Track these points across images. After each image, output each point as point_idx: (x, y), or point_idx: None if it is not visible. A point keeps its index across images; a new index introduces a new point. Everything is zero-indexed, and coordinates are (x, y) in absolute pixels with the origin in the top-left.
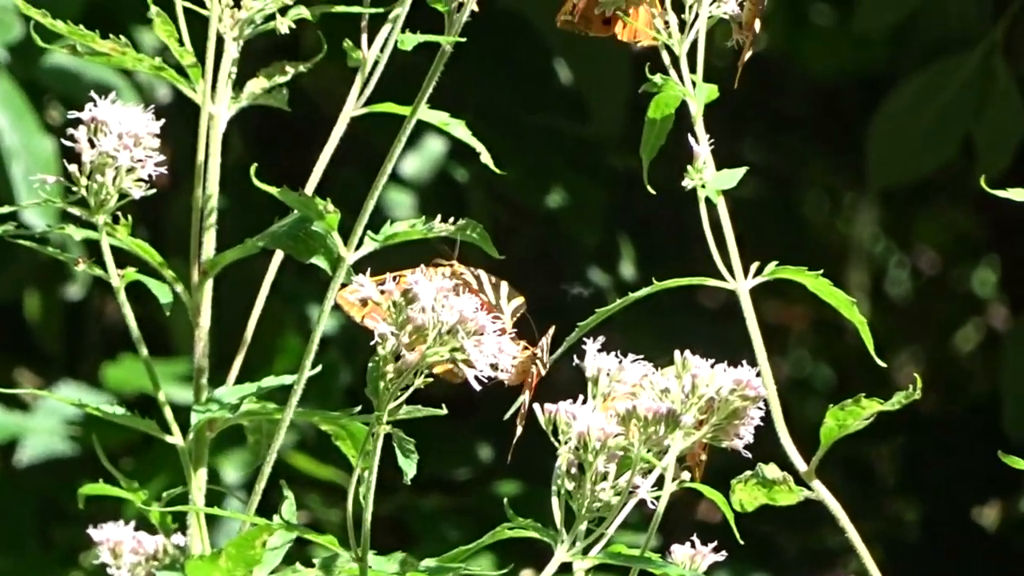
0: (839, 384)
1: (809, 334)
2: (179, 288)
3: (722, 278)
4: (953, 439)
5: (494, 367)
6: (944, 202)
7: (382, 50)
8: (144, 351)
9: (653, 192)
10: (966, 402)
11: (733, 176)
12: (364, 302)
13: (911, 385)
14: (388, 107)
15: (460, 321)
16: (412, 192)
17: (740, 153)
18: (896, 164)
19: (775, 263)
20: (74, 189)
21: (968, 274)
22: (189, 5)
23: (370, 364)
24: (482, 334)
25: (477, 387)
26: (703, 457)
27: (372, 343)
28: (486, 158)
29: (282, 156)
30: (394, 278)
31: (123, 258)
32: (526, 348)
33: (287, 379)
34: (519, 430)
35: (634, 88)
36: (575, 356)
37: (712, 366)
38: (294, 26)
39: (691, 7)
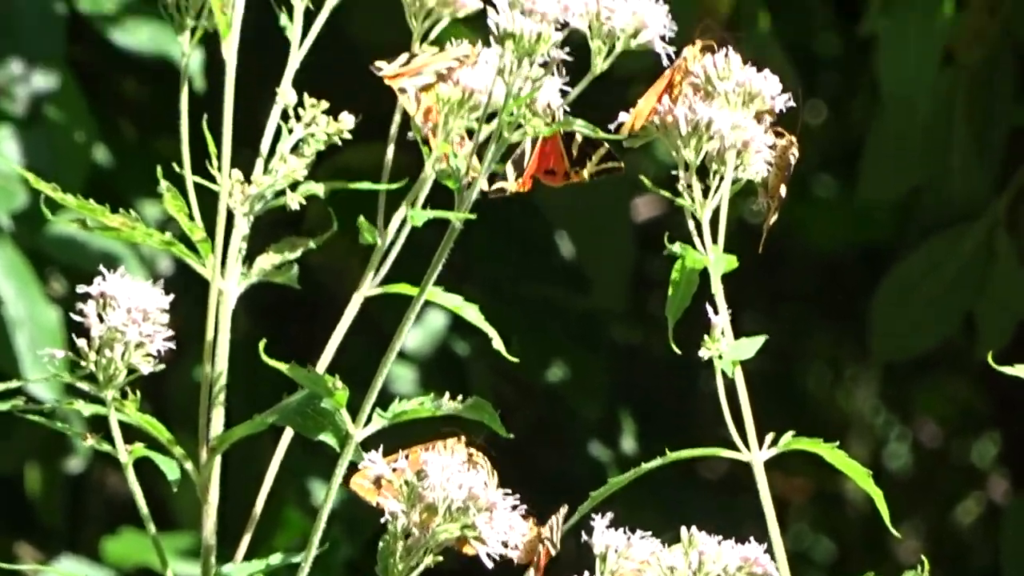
0: (840, 557)
1: (809, 507)
2: (187, 465)
3: (733, 449)
4: None
5: (505, 544)
6: (945, 375)
7: (399, 231)
8: (152, 528)
9: (678, 351)
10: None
11: (751, 346)
12: (378, 482)
13: (918, 565)
14: (402, 287)
15: (471, 497)
16: (414, 366)
17: (740, 324)
18: (898, 338)
19: (791, 434)
20: (82, 363)
21: (969, 447)
22: (199, 180)
23: (381, 543)
24: (493, 511)
25: (489, 564)
26: None
27: (383, 520)
28: (498, 344)
29: (287, 330)
30: (405, 455)
31: (129, 431)
32: (536, 525)
33: (295, 557)
34: None
35: (637, 261)
36: (583, 532)
37: (719, 542)
38: (304, 202)
39: (715, 173)
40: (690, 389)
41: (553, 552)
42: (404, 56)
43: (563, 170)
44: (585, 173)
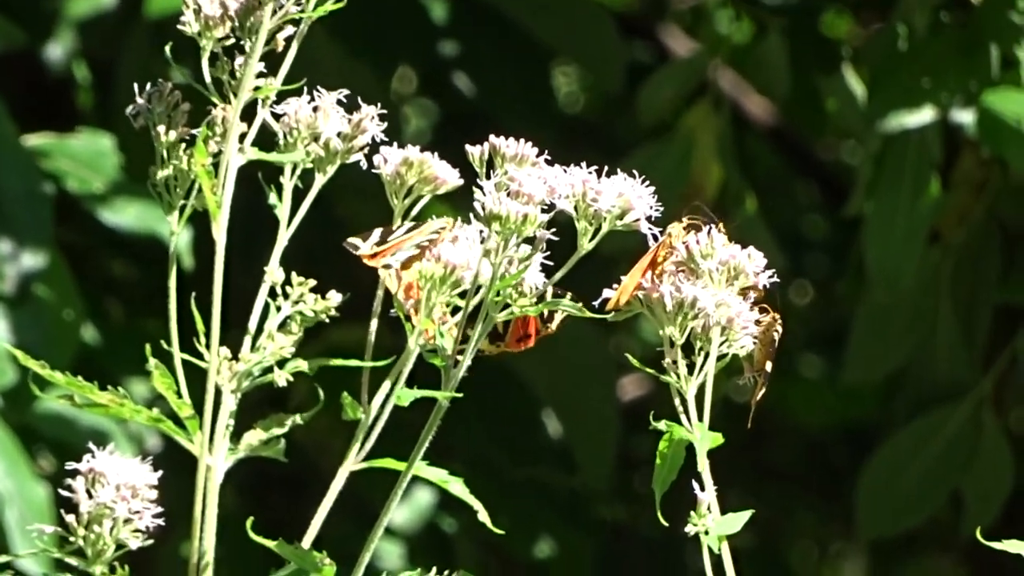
0: None
1: None
2: None
3: None
4: None
5: None
6: (932, 552)
7: (382, 407)
8: None
9: (666, 523)
10: None
11: (737, 521)
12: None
13: None
14: (387, 463)
15: None
16: (401, 542)
17: (725, 500)
18: (884, 516)
19: None
20: (71, 539)
21: None
22: (187, 357)
23: None
24: None
25: None
26: None
27: None
28: (484, 517)
29: (273, 505)
30: None
31: None
32: None
33: None
34: None
35: (622, 440)
36: None
37: None
38: (292, 379)
39: (700, 349)
40: (676, 565)
41: None
42: (378, 232)
43: (536, 331)
44: (553, 325)
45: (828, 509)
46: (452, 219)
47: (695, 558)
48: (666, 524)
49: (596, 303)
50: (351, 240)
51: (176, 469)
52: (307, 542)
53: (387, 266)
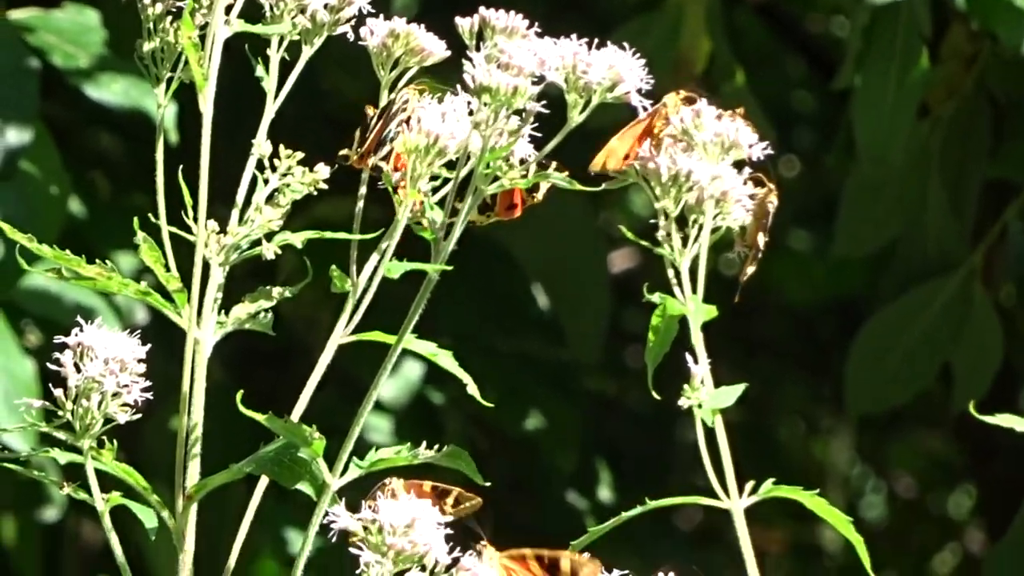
0: None
1: (785, 558)
2: (164, 513)
3: (713, 497)
4: None
5: None
6: (921, 427)
7: (371, 279)
8: None
9: (658, 397)
10: None
11: (730, 395)
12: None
13: None
14: (376, 336)
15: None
16: (389, 416)
17: (719, 375)
18: (873, 392)
19: (771, 481)
20: (59, 413)
21: (944, 498)
22: (174, 230)
23: None
24: None
25: None
26: None
27: (358, 572)
28: (473, 390)
29: (260, 380)
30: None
31: (104, 480)
32: None
33: None
34: None
35: (612, 313)
36: None
37: None
38: (280, 252)
39: (694, 222)
40: (665, 440)
41: None
42: (356, 134)
43: (522, 201)
44: (539, 195)
45: (816, 385)
46: (420, 89)
47: (685, 432)
48: (658, 397)
49: (590, 170)
50: (342, 152)
51: (163, 344)
52: (296, 416)
53: (378, 168)
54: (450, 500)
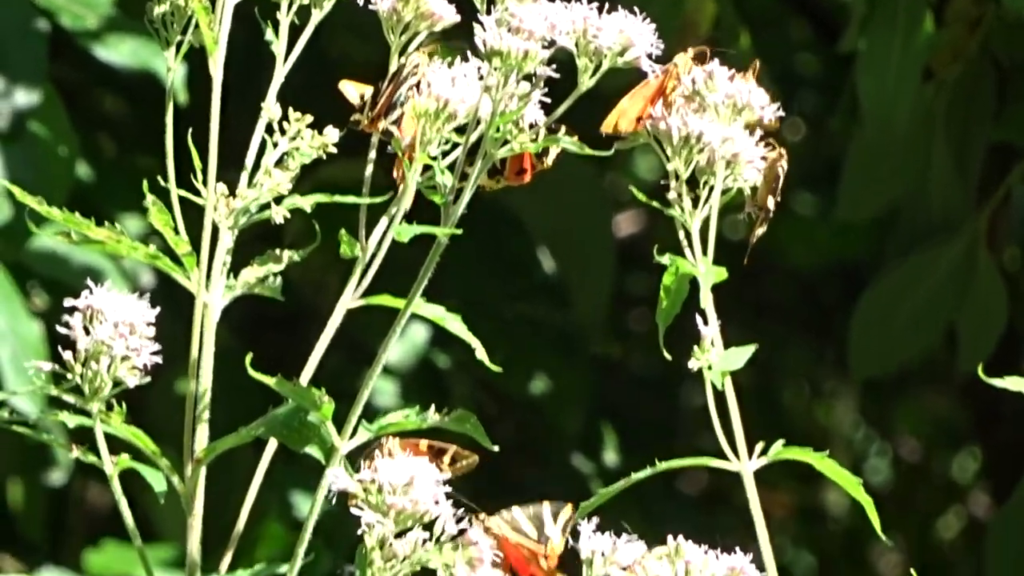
0: (821, 571)
1: (790, 521)
2: (173, 477)
3: (723, 458)
4: None
5: None
6: (925, 390)
7: (379, 244)
8: (138, 540)
9: (668, 357)
10: None
11: (740, 356)
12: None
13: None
14: (385, 300)
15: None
16: (395, 379)
17: (725, 339)
18: (877, 354)
19: (781, 443)
20: (68, 376)
21: (949, 462)
22: (183, 193)
23: (358, 552)
24: (480, 563)
25: None
26: None
27: (359, 531)
28: (481, 354)
29: (266, 344)
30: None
31: (112, 444)
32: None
33: (280, 568)
34: None
35: (618, 275)
36: (570, 539)
37: (705, 552)
38: (289, 215)
39: (705, 182)
40: (670, 404)
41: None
42: (368, 94)
43: (532, 166)
44: (549, 160)
45: (820, 349)
46: (430, 53)
47: (689, 396)
48: (668, 358)
49: (602, 131)
50: (353, 117)
51: (170, 308)
52: (303, 380)
53: (388, 132)
54: (447, 458)
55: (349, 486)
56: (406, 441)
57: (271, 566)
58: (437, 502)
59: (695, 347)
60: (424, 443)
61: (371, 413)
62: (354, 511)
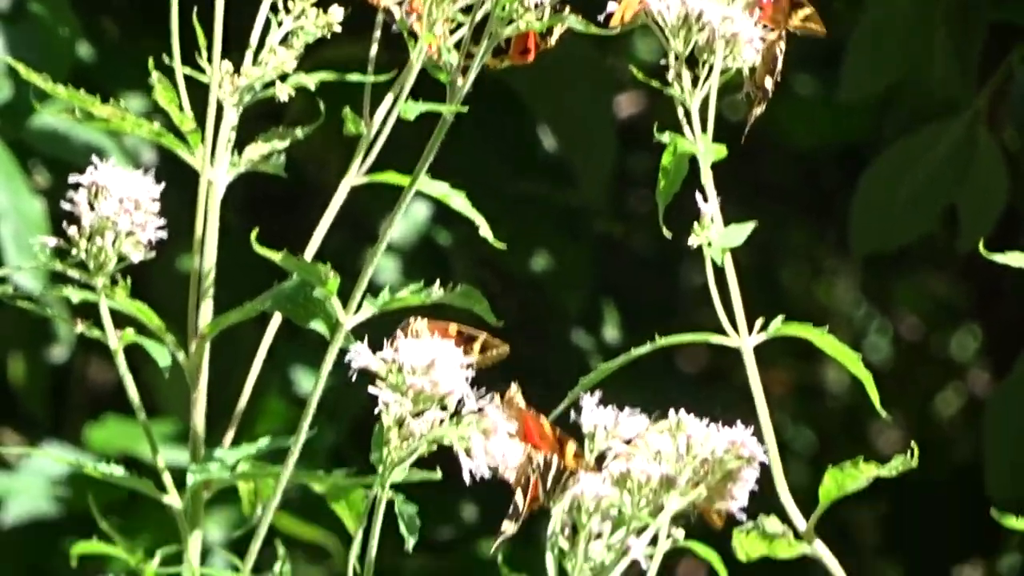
0: (821, 448)
1: (789, 399)
2: (177, 352)
3: (723, 335)
4: (935, 502)
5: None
6: (925, 269)
7: (384, 121)
8: (142, 415)
9: (669, 235)
10: (947, 467)
11: (740, 233)
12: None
13: (907, 451)
14: (390, 176)
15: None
16: (397, 256)
17: (727, 217)
18: (878, 232)
19: (780, 319)
20: (74, 252)
21: (948, 340)
22: (188, 71)
23: (375, 431)
24: (495, 432)
25: (468, 480)
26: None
27: (376, 410)
28: (486, 231)
29: (269, 222)
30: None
31: (116, 320)
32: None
33: (284, 440)
34: (511, 529)
35: (620, 155)
36: (572, 412)
37: (706, 426)
38: (294, 93)
39: (704, 62)
40: (670, 282)
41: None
42: None
43: (536, 45)
44: (552, 39)
45: (821, 227)
46: None
47: (690, 275)
48: (669, 236)
49: (601, 17)
50: None
51: (174, 185)
52: (308, 257)
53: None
54: (476, 345)
55: (370, 364)
56: (435, 324)
57: (276, 440)
58: (458, 385)
59: (695, 224)
60: (454, 328)
61: (374, 290)
62: (372, 390)
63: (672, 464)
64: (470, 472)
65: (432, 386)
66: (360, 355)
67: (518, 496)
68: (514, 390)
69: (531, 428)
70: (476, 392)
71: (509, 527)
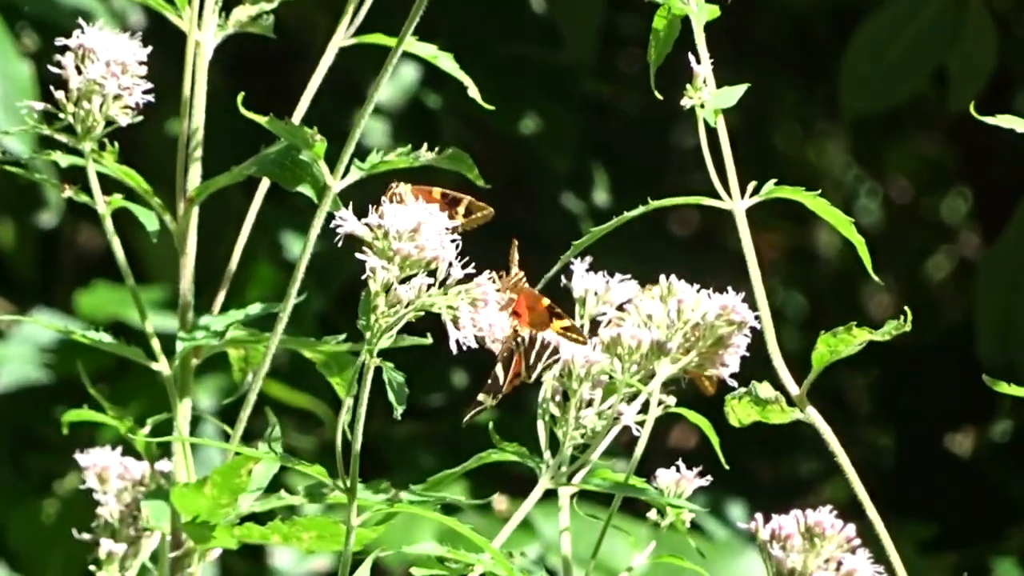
0: (812, 313)
1: (781, 263)
2: (166, 216)
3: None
4: (926, 367)
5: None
6: (915, 131)
7: None
8: (131, 281)
9: (660, 97)
10: (938, 330)
11: (732, 95)
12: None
13: (900, 316)
14: (377, 38)
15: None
16: (386, 119)
17: (719, 79)
18: (868, 93)
19: (773, 182)
20: (61, 116)
21: (939, 203)
22: None
23: (362, 297)
24: (484, 303)
25: (455, 350)
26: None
27: (363, 276)
28: (474, 92)
29: (257, 86)
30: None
31: (104, 185)
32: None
33: (273, 307)
34: (490, 402)
35: (606, 16)
36: (563, 277)
37: (697, 291)
38: None
39: None
40: (661, 143)
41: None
42: None
43: None
44: None
45: (812, 89)
46: None
47: (679, 137)
48: (660, 98)
49: None
50: None
51: (161, 48)
52: (296, 119)
53: None
54: (461, 209)
55: (356, 229)
56: (418, 188)
57: (267, 306)
58: (444, 250)
59: (688, 86)
60: (437, 191)
61: (362, 153)
62: (359, 256)
63: (663, 330)
64: (456, 342)
65: (418, 251)
66: (346, 221)
67: (498, 370)
68: (514, 251)
69: (523, 301)
70: (466, 257)
71: (487, 399)
